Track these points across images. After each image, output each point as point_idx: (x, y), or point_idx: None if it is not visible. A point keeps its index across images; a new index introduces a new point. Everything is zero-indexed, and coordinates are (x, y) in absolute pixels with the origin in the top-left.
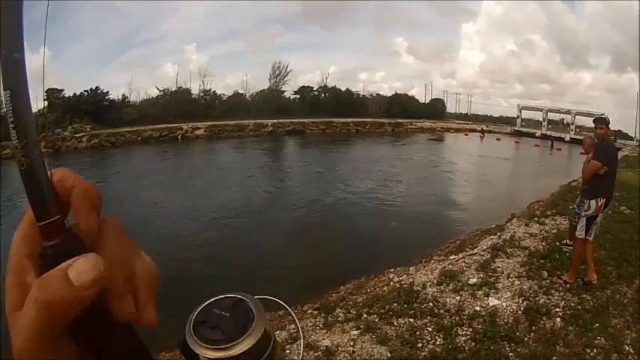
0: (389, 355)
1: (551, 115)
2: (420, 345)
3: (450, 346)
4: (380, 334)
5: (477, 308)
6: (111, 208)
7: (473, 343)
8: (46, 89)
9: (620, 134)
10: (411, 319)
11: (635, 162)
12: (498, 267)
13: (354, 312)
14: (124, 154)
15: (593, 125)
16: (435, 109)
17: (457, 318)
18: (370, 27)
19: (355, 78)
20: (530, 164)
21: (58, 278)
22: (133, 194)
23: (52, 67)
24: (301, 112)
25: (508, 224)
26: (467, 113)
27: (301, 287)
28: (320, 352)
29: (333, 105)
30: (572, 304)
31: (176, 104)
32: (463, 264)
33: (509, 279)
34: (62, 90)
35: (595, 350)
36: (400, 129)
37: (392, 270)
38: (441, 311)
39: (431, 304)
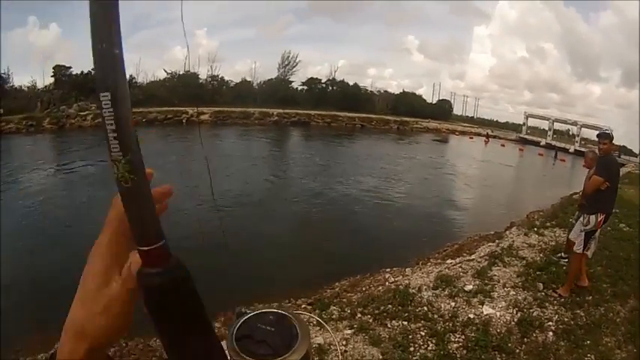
0: (380, 357)
1: (557, 125)
2: (411, 349)
3: (442, 352)
4: (373, 334)
5: (471, 316)
6: (109, 188)
7: (464, 351)
8: (53, 65)
9: (625, 150)
10: (405, 322)
11: (637, 179)
12: (495, 275)
13: (349, 310)
14: None
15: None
16: (442, 110)
17: (450, 324)
18: (382, 23)
19: (364, 73)
20: (532, 173)
21: None
22: None
23: (61, 44)
24: (307, 104)
25: (507, 232)
26: (473, 116)
27: (296, 280)
28: (312, 350)
29: (339, 99)
30: (566, 319)
31: (183, 88)
32: (460, 269)
33: (505, 288)
34: (70, 67)
35: None
36: (405, 127)
37: (388, 270)
38: (435, 316)
39: (425, 308)
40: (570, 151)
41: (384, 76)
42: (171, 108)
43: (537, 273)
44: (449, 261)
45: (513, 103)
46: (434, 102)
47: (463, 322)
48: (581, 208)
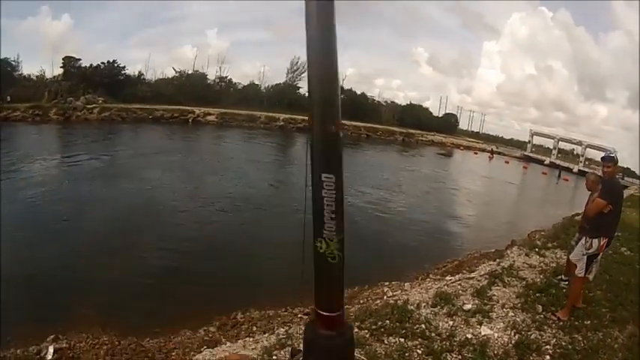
0: None
1: (562, 144)
2: None
3: None
4: (369, 350)
5: (469, 336)
6: (110, 184)
7: None
8: (63, 56)
9: (628, 172)
10: (402, 339)
11: (639, 202)
12: (494, 295)
13: None
14: (132, 130)
15: (602, 159)
16: (448, 123)
17: (448, 343)
18: (394, 33)
19: (372, 83)
20: (535, 191)
21: None
22: (134, 172)
23: (72, 35)
24: None
25: (508, 251)
26: (479, 132)
27: (294, 287)
28: None
29: (346, 107)
30: (563, 343)
31: (191, 87)
32: (459, 287)
33: (504, 309)
34: (79, 59)
35: None
36: (410, 139)
37: (387, 283)
38: (433, 334)
39: (423, 325)
40: (574, 170)
41: (392, 87)
42: (178, 107)
43: (537, 295)
44: (448, 277)
45: (519, 120)
46: (440, 115)
47: (460, 341)
48: (582, 231)
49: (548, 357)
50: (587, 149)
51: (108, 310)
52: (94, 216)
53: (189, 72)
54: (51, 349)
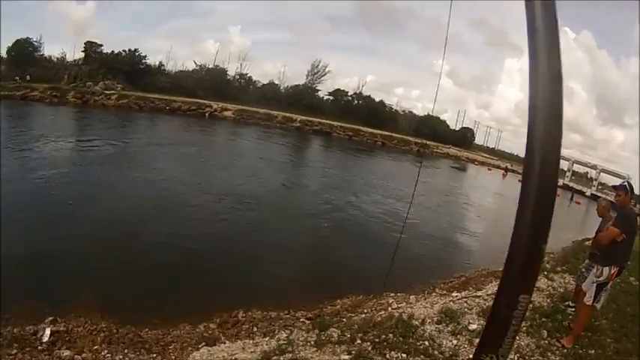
0: None
1: (576, 167)
2: None
3: None
4: None
5: (472, 357)
6: (122, 171)
7: None
8: (85, 41)
9: None
10: (404, 355)
11: None
12: None
13: (349, 335)
14: (149, 119)
15: (616, 183)
16: (464, 137)
17: None
18: (417, 43)
19: (391, 91)
20: None
21: None
22: (146, 162)
23: (95, 21)
24: (332, 115)
25: None
26: (494, 148)
27: (298, 289)
28: None
29: (364, 113)
30: None
31: (210, 81)
32: (465, 305)
33: None
34: (101, 45)
35: None
36: (426, 150)
37: (392, 294)
38: (436, 352)
39: (427, 342)
40: (587, 194)
41: (411, 97)
42: (196, 100)
43: (543, 319)
44: (454, 294)
45: None
46: (457, 129)
47: None
48: (592, 257)
49: None
50: (602, 174)
51: (109, 297)
52: (102, 203)
53: (210, 66)
54: (48, 332)
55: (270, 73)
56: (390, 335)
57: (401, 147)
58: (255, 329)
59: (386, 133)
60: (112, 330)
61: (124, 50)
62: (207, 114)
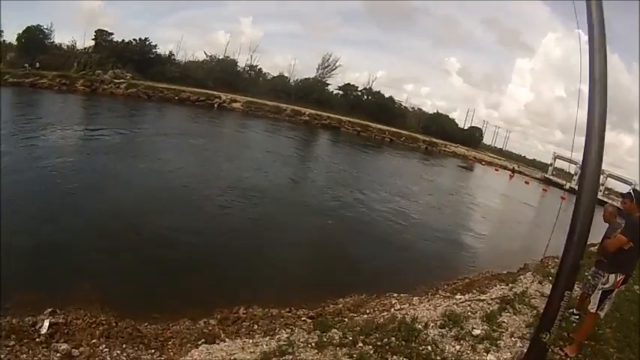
0: None
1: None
2: None
3: None
4: None
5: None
6: (129, 161)
7: None
8: (95, 29)
9: None
10: (406, 359)
11: None
12: (504, 322)
13: (350, 337)
14: (157, 109)
15: (623, 188)
16: (472, 137)
17: None
18: (428, 40)
19: (401, 87)
20: (552, 215)
21: None
22: (153, 152)
23: (106, 9)
24: (340, 109)
25: (521, 276)
26: (502, 148)
27: (300, 286)
28: None
29: (373, 109)
30: None
31: (220, 72)
32: (469, 308)
33: (512, 338)
34: (112, 33)
35: None
36: (433, 149)
37: (395, 295)
38: (438, 358)
39: (429, 347)
40: None
41: (421, 94)
42: (205, 90)
43: None
44: (458, 296)
45: (543, 142)
46: (465, 128)
47: None
48: (598, 264)
49: None
50: (609, 179)
51: (109, 289)
52: (106, 193)
53: (220, 57)
54: (46, 323)
55: (280, 65)
56: (393, 339)
57: (409, 144)
58: (255, 327)
59: (394, 129)
60: (111, 323)
61: (134, 39)
62: (215, 105)
